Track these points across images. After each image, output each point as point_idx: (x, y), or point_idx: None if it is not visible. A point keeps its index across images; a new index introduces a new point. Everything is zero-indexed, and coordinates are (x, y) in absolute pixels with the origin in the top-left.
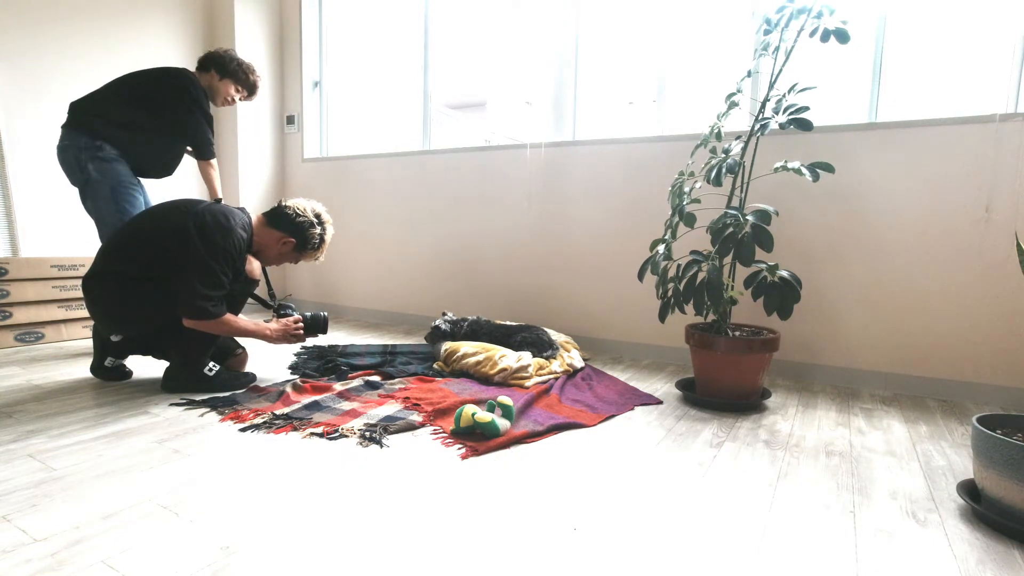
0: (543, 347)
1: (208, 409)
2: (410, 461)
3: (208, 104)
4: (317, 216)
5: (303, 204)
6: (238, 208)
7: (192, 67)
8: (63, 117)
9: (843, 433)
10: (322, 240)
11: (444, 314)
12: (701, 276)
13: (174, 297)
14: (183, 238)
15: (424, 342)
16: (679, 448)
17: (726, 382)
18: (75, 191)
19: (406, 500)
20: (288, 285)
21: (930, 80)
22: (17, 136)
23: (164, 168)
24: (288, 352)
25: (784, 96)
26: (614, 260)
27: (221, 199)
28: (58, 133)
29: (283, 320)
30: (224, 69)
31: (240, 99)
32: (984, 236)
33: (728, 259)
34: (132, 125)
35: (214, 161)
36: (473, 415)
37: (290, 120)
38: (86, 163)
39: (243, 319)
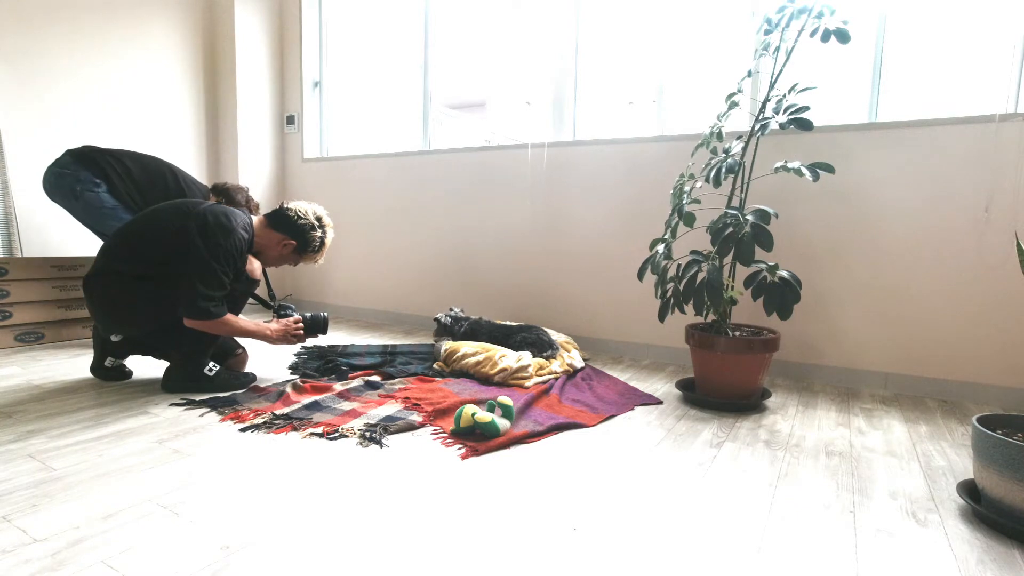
0: (543, 347)
1: (208, 409)
2: (410, 461)
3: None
4: (318, 219)
5: (304, 207)
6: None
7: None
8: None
9: (843, 433)
10: (322, 243)
11: (451, 310)
12: (701, 276)
13: (175, 297)
14: (185, 238)
15: (425, 342)
16: (679, 448)
17: (726, 382)
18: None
19: (406, 500)
20: (288, 285)
21: (930, 80)
22: (17, 136)
23: None
24: (288, 352)
25: (784, 96)
26: (614, 260)
27: (222, 200)
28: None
29: (283, 320)
30: (234, 203)
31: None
32: (984, 236)
33: (728, 259)
34: (136, 194)
35: None
36: (473, 415)
37: (290, 120)
38: (82, 193)
39: (244, 319)
